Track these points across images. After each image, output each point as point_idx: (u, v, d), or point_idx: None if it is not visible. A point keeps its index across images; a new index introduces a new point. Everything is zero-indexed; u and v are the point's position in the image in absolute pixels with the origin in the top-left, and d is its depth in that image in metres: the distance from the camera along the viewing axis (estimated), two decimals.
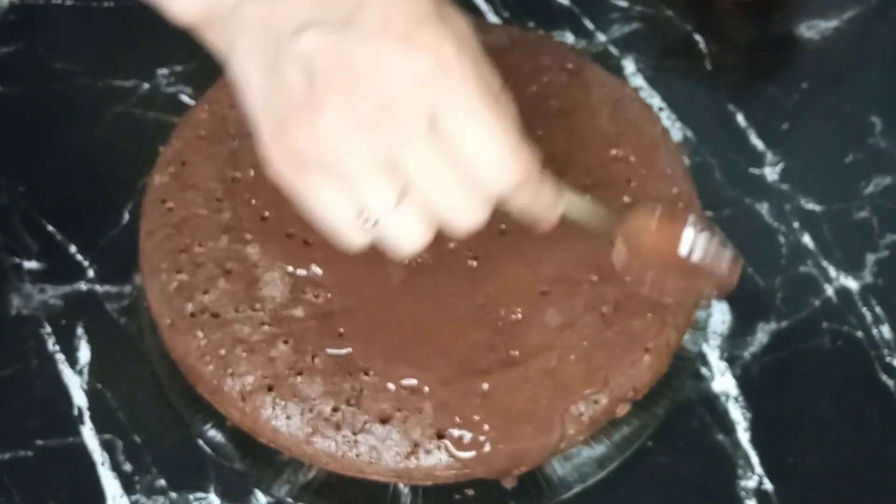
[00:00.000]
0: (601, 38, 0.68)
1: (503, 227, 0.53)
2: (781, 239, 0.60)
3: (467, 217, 0.41)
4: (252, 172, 0.55)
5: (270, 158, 0.40)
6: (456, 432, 0.48)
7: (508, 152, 0.40)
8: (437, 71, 0.38)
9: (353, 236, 0.42)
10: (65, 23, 0.69)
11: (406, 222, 0.41)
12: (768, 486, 0.52)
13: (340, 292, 0.51)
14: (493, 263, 0.52)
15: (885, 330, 0.57)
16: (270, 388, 0.49)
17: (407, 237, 0.42)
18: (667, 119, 0.64)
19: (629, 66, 0.67)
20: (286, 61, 0.39)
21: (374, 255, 0.52)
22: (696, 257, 0.48)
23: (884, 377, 0.55)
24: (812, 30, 0.69)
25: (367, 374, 0.49)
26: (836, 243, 0.60)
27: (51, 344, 0.55)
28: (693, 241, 0.48)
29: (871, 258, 0.59)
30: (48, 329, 0.56)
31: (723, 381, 0.55)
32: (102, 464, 0.52)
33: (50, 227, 0.59)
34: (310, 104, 0.39)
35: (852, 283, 0.58)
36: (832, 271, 0.59)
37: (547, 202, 0.44)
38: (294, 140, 0.39)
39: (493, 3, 0.69)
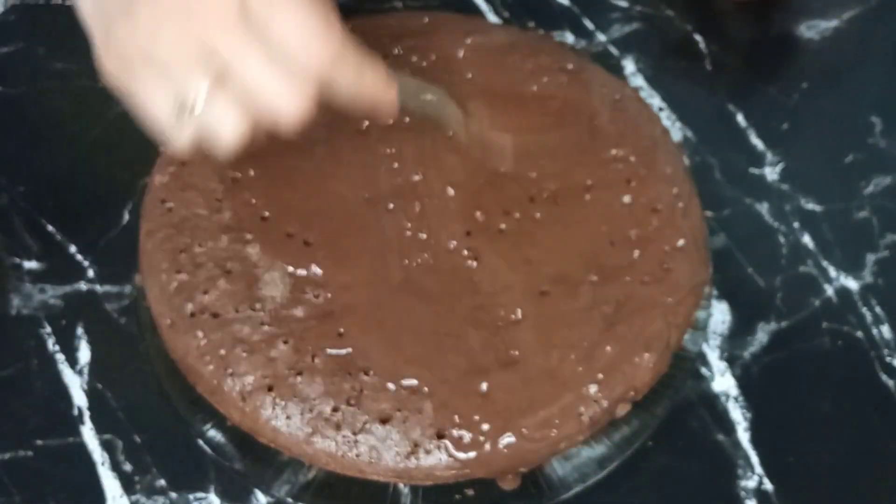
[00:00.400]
0: (601, 38, 0.68)
1: (503, 227, 0.53)
2: (781, 239, 0.60)
3: (287, 102, 0.41)
4: (252, 172, 0.55)
5: (102, 63, 0.42)
6: (456, 432, 0.48)
7: (317, 28, 0.40)
8: None
9: (175, 132, 0.42)
10: (65, 23, 0.69)
11: (223, 111, 0.41)
12: (768, 486, 0.52)
13: (340, 292, 0.51)
14: (493, 263, 0.52)
15: (885, 330, 0.57)
16: (270, 388, 0.49)
17: (225, 126, 0.42)
18: (667, 119, 0.64)
19: (629, 66, 0.67)
20: None
21: (374, 255, 0.52)
22: None
23: (884, 377, 0.55)
24: (812, 30, 0.69)
25: (367, 374, 0.49)
26: (836, 243, 0.60)
27: (51, 344, 0.55)
28: None
29: (871, 258, 0.59)
30: (48, 329, 0.56)
31: (723, 381, 0.55)
32: (102, 464, 0.52)
33: (50, 227, 0.59)
34: (128, 3, 0.40)
35: (852, 283, 0.58)
36: (832, 271, 0.59)
37: (375, 82, 0.44)
38: (118, 40, 0.41)
39: (493, 3, 0.69)
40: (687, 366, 0.53)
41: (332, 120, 0.56)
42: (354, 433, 0.48)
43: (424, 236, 0.53)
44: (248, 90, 0.41)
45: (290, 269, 0.52)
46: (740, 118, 0.64)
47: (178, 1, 0.40)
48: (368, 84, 0.44)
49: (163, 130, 0.42)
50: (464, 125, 0.47)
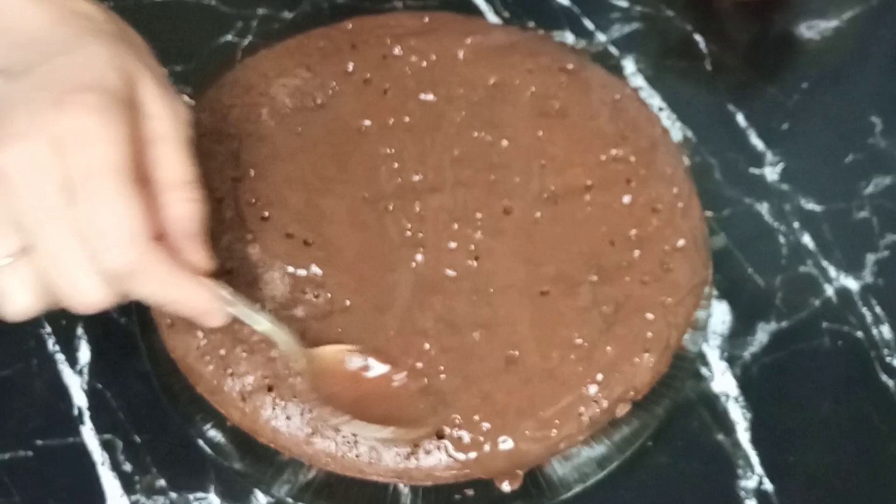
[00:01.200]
0: (601, 38, 0.68)
1: (503, 227, 0.53)
2: (781, 239, 0.60)
3: (83, 292, 0.40)
4: (252, 172, 0.55)
5: None
6: (456, 432, 0.48)
7: (127, 230, 0.39)
8: (77, 138, 0.38)
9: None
10: None
11: (15, 282, 0.40)
12: (768, 486, 0.52)
13: (340, 292, 0.51)
14: (493, 263, 0.52)
15: (885, 330, 0.57)
16: (270, 389, 0.49)
17: (12, 297, 0.40)
18: (667, 119, 0.64)
19: (629, 66, 0.67)
20: None
21: (374, 256, 0.52)
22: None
23: (884, 377, 0.55)
24: (812, 30, 0.69)
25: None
26: (836, 243, 0.60)
27: (51, 344, 0.55)
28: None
29: (871, 258, 0.59)
30: (48, 329, 0.56)
31: (723, 381, 0.55)
32: (102, 464, 0.52)
33: None
34: None
35: (852, 283, 0.58)
36: (832, 271, 0.59)
37: (191, 298, 0.43)
38: None
39: (493, 3, 0.69)
40: (687, 366, 0.53)
41: (331, 120, 0.57)
42: (354, 433, 0.48)
43: (424, 236, 0.53)
44: (48, 271, 0.40)
45: (290, 269, 0.52)
46: (740, 118, 0.64)
47: (6, 169, 0.38)
48: (182, 299, 0.43)
49: None
50: (300, 365, 0.48)
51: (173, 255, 0.42)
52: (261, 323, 0.46)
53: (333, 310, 0.51)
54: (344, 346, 0.49)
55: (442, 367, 0.49)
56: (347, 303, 0.51)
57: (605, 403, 0.49)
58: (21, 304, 0.41)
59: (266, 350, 0.49)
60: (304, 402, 0.48)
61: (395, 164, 0.55)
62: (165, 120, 0.42)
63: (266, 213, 0.53)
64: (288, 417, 0.48)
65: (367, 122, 0.57)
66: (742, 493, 0.52)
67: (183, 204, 0.43)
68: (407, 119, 0.57)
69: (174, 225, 0.43)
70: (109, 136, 0.39)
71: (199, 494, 0.51)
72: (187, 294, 0.43)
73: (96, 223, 0.39)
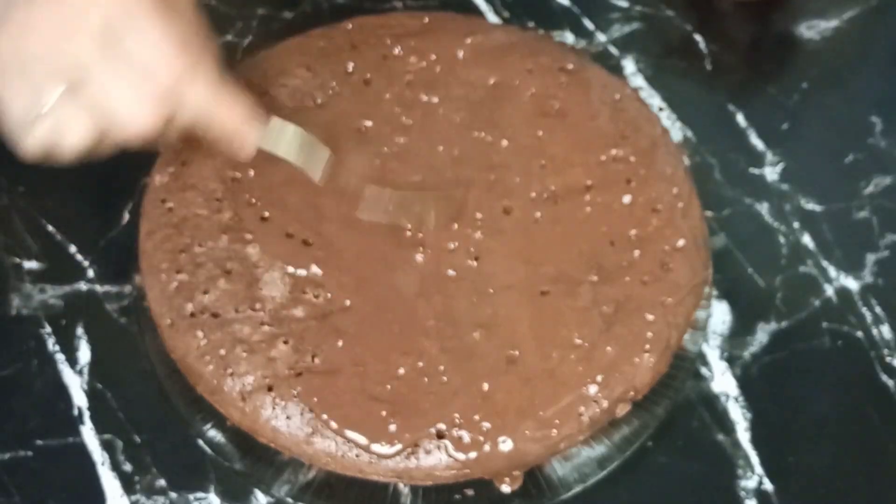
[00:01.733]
0: (601, 38, 0.68)
1: (503, 227, 0.53)
2: (781, 239, 0.60)
3: (133, 115, 0.44)
4: (252, 172, 0.55)
5: None
6: (456, 432, 0.48)
7: (170, 48, 0.44)
8: None
9: (25, 132, 0.45)
10: None
11: (72, 116, 0.44)
12: (768, 486, 0.52)
13: (340, 292, 0.51)
14: (493, 263, 0.52)
15: (885, 330, 0.57)
16: (270, 388, 0.49)
17: (71, 131, 0.45)
18: (667, 119, 0.64)
19: (629, 66, 0.67)
20: None
21: (374, 256, 0.52)
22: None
23: (884, 377, 0.55)
24: (812, 30, 0.69)
25: (366, 374, 0.49)
26: (836, 243, 0.60)
27: (51, 344, 0.55)
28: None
29: (871, 258, 0.59)
30: (48, 329, 0.56)
31: (723, 381, 0.55)
32: (102, 464, 0.52)
33: (50, 227, 0.59)
34: (5, 10, 0.43)
35: (852, 283, 0.58)
36: (832, 271, 0.59)
37: (231, 115, 0.47)
38: None
39: (493, 3, 0.69)
40: (687, 366, 0.53)
41: (331, 120, 0.57)
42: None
43: (424, 237, 0.53)
44: (99, 100, 0.44)
45: (290, 269, 0.52)
46: (740, 118, 0.64)
47: (48, 12, 0.43)
48: (222, 114, 0.47)
49: (14, 130, 0.45)
50: (330, 173, 0.49)
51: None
52: (306, 140, 0.49)
53: (333, 310, 0.51)
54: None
55: (442, 367, 0.49)
56: (347, 303, 0.51)
57: (605, 403, 0.49)
58: (77, 136, 0.45)
59: (266, 350, 0.49)
60: (303, 401, 0.48)
61: (395, 165, 0.55)
62: None
63: (266, 214, 0.53)
64: (288, 417, 0.48)
65: (368, 123, 0.57)
66: (742, 493, 0.52)
67: None
68: (407, 119, 0.57)
69: None
70: None
71: (199, 494, 0.51)
72: (226, 108, 0.47)
73: (143, 47, 0.43)
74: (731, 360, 0.55)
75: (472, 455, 0.48)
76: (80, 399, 0.54)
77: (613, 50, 0.67)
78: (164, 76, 0.44)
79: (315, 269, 0.52)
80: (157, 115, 0.45)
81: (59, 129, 0.45)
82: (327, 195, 0.54)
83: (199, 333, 0.50)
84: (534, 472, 0.50)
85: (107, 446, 0.52)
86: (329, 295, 0.51)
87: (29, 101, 0.44)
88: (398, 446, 0.48)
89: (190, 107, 0.46)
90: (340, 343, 0.50)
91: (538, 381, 0.49)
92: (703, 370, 0.55)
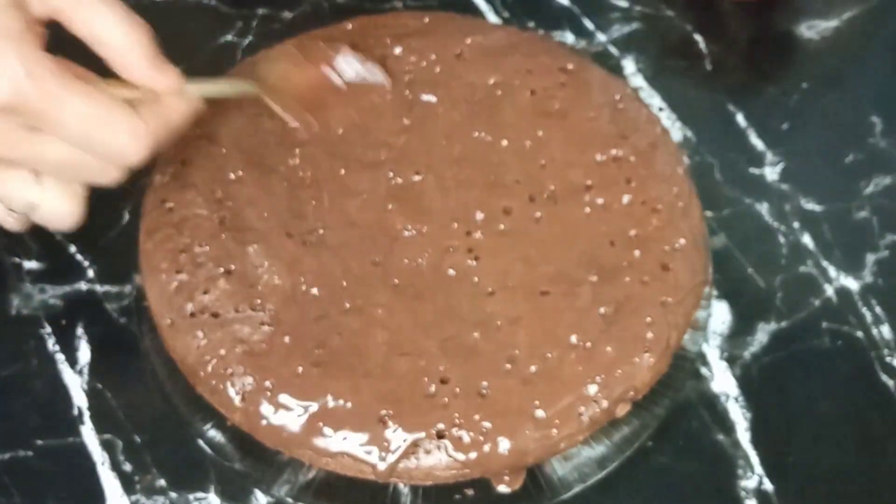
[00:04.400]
0: (601, 38, 0.68)
1: (503, 226, 0.53)
2: (781, 239, 0.60)
3: (108, 173, 0.45)
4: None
5: None
6: (456, 432, 0.48)
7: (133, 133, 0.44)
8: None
9: (12, 225, 0.47)
10: None
11: (51, 196, 0.45)
12: (768, 486, 0.52)
13: (341, 292, 0.51)
14: (493, 263, 0.52)
15: (885, 330, 0.57)
16: (270, 388, 0.49)
17: (60, 207, 0.47)
18: (667, 119, 0.64)
19: (629, 66, 0.67)
20: None
21: (374, 256, 0.52)
22: (349, 78, 0.49)
23: (884, 377, 0.55)
24: (812, 30, 0.69)
25: (367, 374, 0.49)
26: (836, 243, 0.60)
27: (51, 344, 0.55)
28: (341, 67, 0.49)
29: (871, 258, 0.59)
30: (48, 329, 0.56)
31: (723, 381, 0.55)
32: (102, 464, 0.52)
33: None
34: None
35: (852, 283, 0.58)
36: (832, 271, 0.59)
37: (178, 107, 0.47)
38: None
39: (493, 3, 0.69)
40: (687, 366, 0.53)
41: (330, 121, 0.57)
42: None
43: (424, 236, 0.53)
44: (62, 165, 0.44)
45: (291, 268, 0.52)
46: (740, 118, 0.64)
47: None
48: (173, 111, 0.46)
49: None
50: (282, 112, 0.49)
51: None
52: (221, 85, 0.49)
53: (334, 310, 0.51)
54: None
55: (442, 367, 0.49)
56: (347, 306, 0.51)
57: (605, 403, 0.49)
58: (70, 208, 0.47)
59: (266, 350, 0.49)
60: (303, 401, 0.48)
61: (395, 165, 0.55)
62: None
63: (266, 213, 0.53)
64: (288, 417, 0.48)
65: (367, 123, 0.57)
66: (742, 493, 0.52)
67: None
68: (407, 119, 0.57)
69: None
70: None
71: (199, 494, 0.51)
72: (177, 104, 0.46)
73: (72, 114, 0.42)
74: (731, 360, 0.55)
75: (472, 455, 0.48)
76: (80, 399, 0.54)
77: (613, 50, 0.67)
78: (126, 157, 0.45)
79: (315, 268, 0.52)
80: (143, 150, 0.45)
81: (50, 211, 0.47)
82: (327, 195, 0.54)
83: (199, 333, 0.50)
84: (534, 472, 0.50)
85: (107, 446, 0.52)
86: (329, 295, 0.51)
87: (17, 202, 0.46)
88: (398, 446, 0.48)
89: (159, 124, 0.45)
90: (341, 343, 0.50)
91: (538, 381, 0.49)
92: (703, 370, 0.55)
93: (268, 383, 0.49)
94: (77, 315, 0.56)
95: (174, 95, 0.46)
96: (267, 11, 0.68)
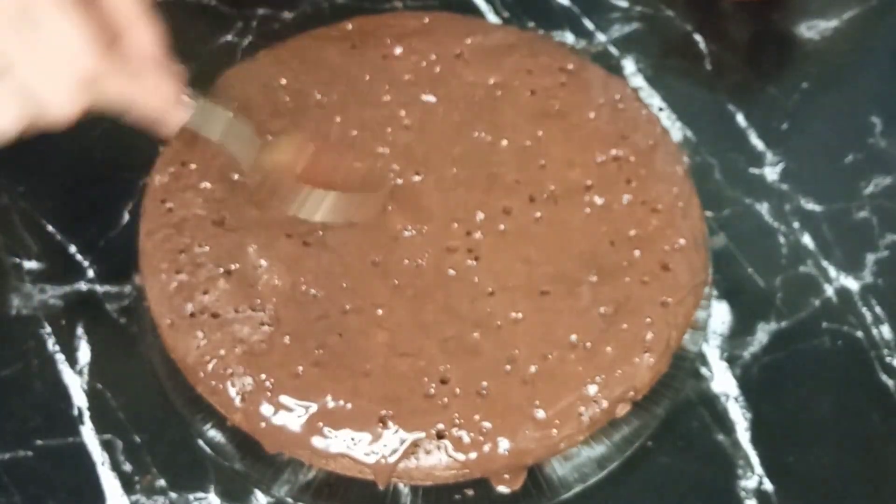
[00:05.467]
0: (601, 38, 0.68)
1: (503, 227, 0.53)
2: (781, 239, 0.60)
3: (58, 101, 0.44)
4: None
5: None
6: (456, 432, 0.48)
7: (82, 36, 0.43)
8: None
9: None
10: None
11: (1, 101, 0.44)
12: (768, 486, 0.52)
13: (340, 292, 0.51)
14: (493, 263, 0.52)
15: (885, 330, 0.57)
16: (270, 388, 0.49)
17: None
18: (667, 119, 0.64)
19: (629, 66, 0.67)
20: None
21: (374, 256, 0.52)
22: None
23: (884, 377, 0.55)
24: (812, 30, 0.69)
25: (366, 374, 0.49)
26: (836, 243, 0.60)
27: (51, 344, 0.55)
28: None
29: (871, 258, 0.59)
30: (48, 329, 0.56)
31: (723, 381, 0.55)
32: (102, 464, 0.52)
33: (50, 227, 0.59)
34: None
35: (852, 283, 0.58)
36: (832, 271, 0.59)
37: (154, 95, 0.47)
38: None
39: (493, 3, 0.69)
40: (687, 366, 0.53)
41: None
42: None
43: (424, 236, 0.53)
44: (23, 86, 0.44)
45: (290, 269, 0.52)
46: (740, 118, 0.64)
47: None
48: (145, 97, 0.46)
49: None
50: (257, 166, 0.49)
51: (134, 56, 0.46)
52: (220, 119, 0.49)
53: (333, 310, 0.51)
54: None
55: (442, 367, 0.49)
56: (347, 306, 0.51)
57: (605, 403, 0.49)
58: (4, 119, 0.44)
59: (266, 350, 0.49)
60: (303, 401, 0.48)
61: (395, 165, 0.55)
62: None
63: (265, 214, 0.53)
64: (288, 417, 0.48)
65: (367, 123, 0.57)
66: (742, 493, 0.52)
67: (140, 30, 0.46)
68: (407, 119, 0.57)
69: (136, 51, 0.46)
70: None
71: (199, 494, 0.51)
72: (149, 90, 0.46)
73: (54, 40, 0.43)
74: (731, 360, 0.55)
75: (472, 455, 0.48)
76: (80, 399, 0.54)
77: (613, 50, 0.67)
78: (84, 61, 0.44)
79: (315, 269, 0.52)
80: (80, 100, 0.44)
81: None
82: None
83: (199, 333, 0.50)
84: (534, 472, 0.50)
85: (107, 446, 0.52)
86: (329, 295, 0.51)
87: None
88: (398, 446, 0.48)
89: (112, 90, 0.45)
90: (340, 343, 0.50)
91: (538, 382, 0.49)
92: (703, 370, 0.55)
93: (268, 383, 0.49)
94: (77, 315, 0.56)
95: (163, 94, 0.47)
96: (267, 11, 0.68)
